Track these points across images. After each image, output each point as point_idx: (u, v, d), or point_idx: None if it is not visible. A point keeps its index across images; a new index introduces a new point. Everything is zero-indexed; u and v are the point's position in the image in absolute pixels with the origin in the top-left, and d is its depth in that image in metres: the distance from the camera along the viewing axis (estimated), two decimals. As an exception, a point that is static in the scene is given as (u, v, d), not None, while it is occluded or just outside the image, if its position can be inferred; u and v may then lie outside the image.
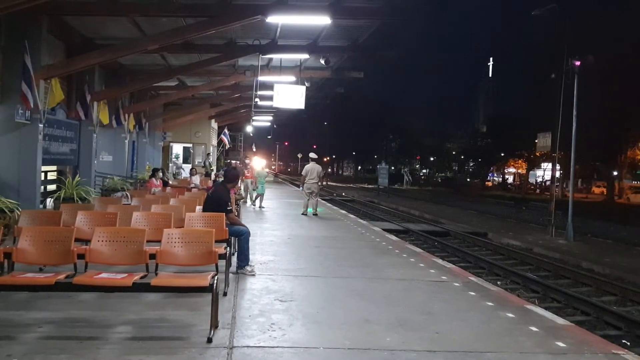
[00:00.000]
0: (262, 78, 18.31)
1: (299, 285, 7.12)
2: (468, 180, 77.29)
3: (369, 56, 17.04)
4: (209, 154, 30.91)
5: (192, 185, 16.68)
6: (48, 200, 13.06)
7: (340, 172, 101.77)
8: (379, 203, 33.18)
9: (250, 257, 8.35)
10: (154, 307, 5.71)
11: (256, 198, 18.05)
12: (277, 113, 29.56)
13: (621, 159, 48.23)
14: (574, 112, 17.99)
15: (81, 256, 5.45)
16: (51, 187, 13.82)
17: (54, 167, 14.61)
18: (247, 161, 20.51)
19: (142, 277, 4.95)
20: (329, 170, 79.20)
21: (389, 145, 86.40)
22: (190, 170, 20.81)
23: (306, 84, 17.91)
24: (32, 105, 10.84)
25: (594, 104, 34.02)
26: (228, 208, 7.63)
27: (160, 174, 14.65)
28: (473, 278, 8.30)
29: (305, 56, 16.06)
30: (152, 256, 5.54)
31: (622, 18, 40.31)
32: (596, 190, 60.30)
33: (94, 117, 15.38)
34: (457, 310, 6.22)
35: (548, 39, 35.73)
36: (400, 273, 8.26)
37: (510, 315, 6.07)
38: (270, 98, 17.85)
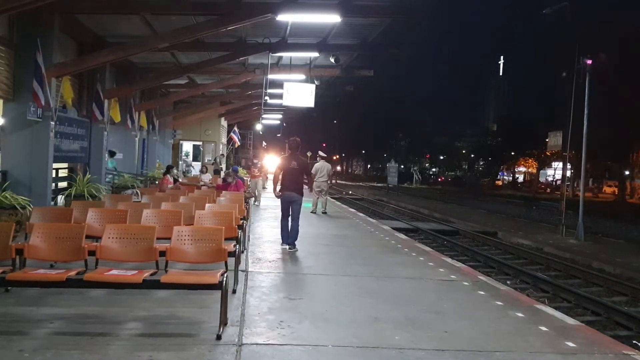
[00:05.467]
0: (271, 76, 18.32)
1: (307, 283, 7.13)
2: (479, 177, 76.91)
3: (379, 54, 17.01)
4: (222, 154, 31.03)
5: (202, 183, 16.73)
6: (59, 197, 13.14)
7: (349, 171, 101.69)
8: (388, 202, 33.15)
9: (260, 255, 8.47)
10: (163, 304, 5.74)
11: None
12: (287, 111, 29.56)
13: (633, 158, 47.81)
14: (585, 111, 17.86)
15: (92, 253, 5.48)
16: (62, 185, 13.89)
17: (65, 165, 14.71)
18: (255, 161, 20.58)
19: (152, 274, 4.99)
20: (338, 168, 79.05)
21: (399, 144, 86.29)
22: (201, 168, 20.89)
23: (316, 82, 17.90)
24: (43, 103, 10.91)
25: (605, 102, 33.79)
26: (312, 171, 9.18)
27: (175, 171, 14.70)
28: (482, 277, 8.28)
29: (315, 54, 16.04)
30: (162, 253, 5.55)
31: (633, 16, 39.95)
32: (607, 189, 59.66)
33: (105, 115, 15.47)
34: (466, 309, 6.20)
35: (559, 38, 35.47)
36: (410, 272, 8.26)
37: (520, 314, 6.05)
38: (280, 96, 17.85)
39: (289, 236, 9.57)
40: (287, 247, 9.51)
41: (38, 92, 10.64)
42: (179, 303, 5.75)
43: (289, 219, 9.63)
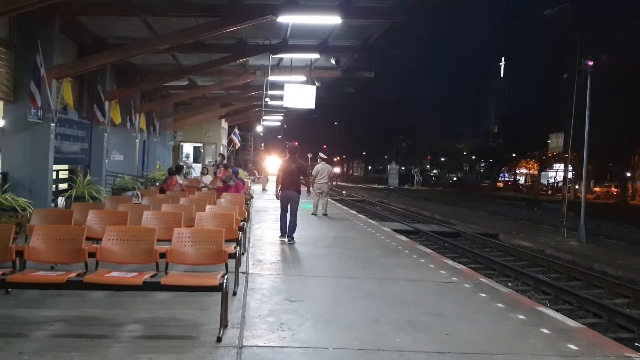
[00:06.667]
0: (272, 78, 18.32)
1: (308, 286, 7.12)
2: (480, 178, 76.79)
3: (380, 56, 17.01)
4: (223, 155, 31.03)
5: (203, 184, 16.73)
6: (59, 199, 13.14)
7: (350, 172, 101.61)
8: (389, 203, 33.10)
9: (260, 257, 8.51)
10: (164, 306, 5.73)
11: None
12: (288, 113, 29.58)
13: (634, 160, 47.73)
14: (587, 113, 17.83)
15: (92, 255, 5.47)
16: (62, 186, 13.91)
17: (66, 166, 14.71)
18: (223, 161, 20.37)
19: (152, 276, 4.97)
20: (337, 169, 78.95)
21: (400, 146, 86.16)
22: (202, 170, 20.90)
23: (316, 83, 17.91)
24: (39, 105, 10.89)
25: (607, 103, 33.72)
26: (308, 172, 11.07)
27: (184, 172, 14.60)
28: (484, 279, 8.25)
29: (315, 56, 16.05)
30: (162, 255, 5.55)
31: (634, 17, 39.94)
32: (597, 190, 58.29)
33: (106, 117, 15.47)
34: (467, 311, 6.18)
35: (560, 39, 35.48)
36: (410, 274, 8.23)
37: (521, 317, 6.03)
38: (281, 98, 17.85)
39: (287, 230, 10.66)
40: (286, 239, 10.59)
41: (35, 94, 10.62)
42: (179, 305, 5.74)
43: (288, 215, 10.74)
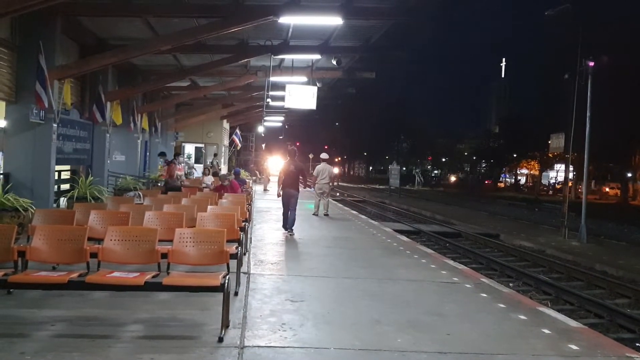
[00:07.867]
0: (273, 78, 18.32)
1: (309, 286, 7.12)
2: (481, 179, 76.74)
3: (381, 56, 17.01)
4: (216, 154, 31.02)
5: (204, 185, 16.74)
6: (61, 199, 13.15)
7: (351, 173, 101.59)
8: (390, 204, 33.11)
9: (262, 257, 8.55)
10: (165, 306, 5.73)
11: None
12: (289, 113, 29.55)
13: (635, 160, 47.69)
14: (588, 113, 17.83)
15: (94, 255, 5.48)
16: (65, 187, 13.93)
17: (68, 167, 14.72)
18: (166, 159, 19.73)
19: (153, 277, 4.98)
20: (335, 170, 78.89)
21: (401, 146, 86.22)
22: (203, 170, 20.89)
23: (318, 84, 17.90)
24: (46, 105, 10.91)
25: (608, 104, 33.71)
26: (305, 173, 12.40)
27: (181, 159, 14.46)
28: (485, 280, 8.26)
29: (316, 56, 16.05)
30: (164, 255, 5.56)
31: (634, 18, 39.94)
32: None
33: (107, 118, 15.48)
34: (468, 311, 6.19)
35: (561, 39, 35.44)
36: (411, 274, 8.24)
37: (522, 317, 6.03)
38: (282, 98, 17.85)
39: (288, 223, 11.88)
40: (287, 232, 11.75)
41: (41, 95, 10.65)
42: (181, 305, 5.75)
43: (288, 210, 11.90)
